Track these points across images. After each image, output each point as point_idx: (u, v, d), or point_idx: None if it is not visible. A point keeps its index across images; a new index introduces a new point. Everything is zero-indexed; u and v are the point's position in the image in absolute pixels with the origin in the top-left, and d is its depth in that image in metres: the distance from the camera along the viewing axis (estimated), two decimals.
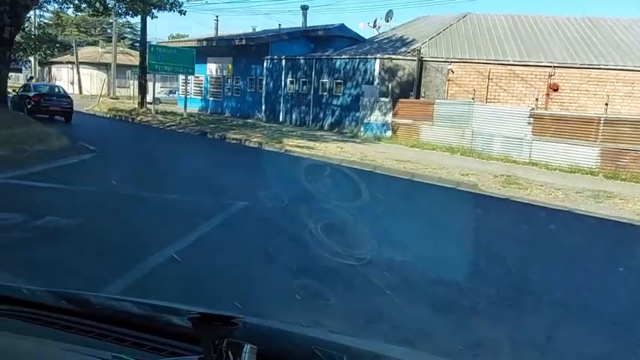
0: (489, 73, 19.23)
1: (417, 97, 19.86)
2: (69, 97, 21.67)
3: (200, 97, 31.26)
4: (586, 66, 18.45)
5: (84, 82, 42.88)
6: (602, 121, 14.01)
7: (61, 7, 19.58)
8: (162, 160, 13.12)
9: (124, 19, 45.15)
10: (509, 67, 19.19)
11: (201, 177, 10.57)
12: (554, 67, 18.61)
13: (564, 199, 10.02)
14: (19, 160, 9.55)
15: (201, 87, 31.20)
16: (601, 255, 7.01)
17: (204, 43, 30.12)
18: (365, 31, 28.06)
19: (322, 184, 8.89)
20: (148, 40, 27.28)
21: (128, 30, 54.80)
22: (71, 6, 18.98)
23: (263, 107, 25.78)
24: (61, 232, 5.96)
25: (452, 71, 19.77)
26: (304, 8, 30.36)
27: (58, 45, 31.58)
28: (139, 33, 30.14)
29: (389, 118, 19.49)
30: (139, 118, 23.25)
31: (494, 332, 4.06)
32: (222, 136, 17.98)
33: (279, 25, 32.40)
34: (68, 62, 45.12)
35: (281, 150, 15.27)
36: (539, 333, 4.14)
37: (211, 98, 30.53)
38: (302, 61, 23.97)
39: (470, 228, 7.14)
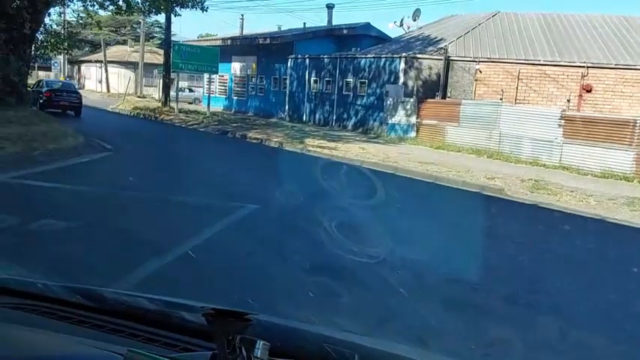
0: (519, 73, 18.57)
1: (444, 97, 19.31)
2: (78, 92, 22.93)
3: (224, 96, 31.23)
4: (621, 66, 17.66)
5: (112, 81, 43.44)
6: (637, 124, 13.32)
7: (84, 5, 19.51)
8: (175, 160, 12.87)
9: (152, 19, 45.66)
10: (540, 67, 18.50)
11: (213, 178, 10.31)
12: (588, 67, 17.85)
13: (596, 206, 9.45)
14: (29, 157, 9.39)
15: (225, 86, 31.14)
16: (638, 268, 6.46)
17: (229, 42, 30.06)
18: (393, 31, 27.57)
19: (339, 185, 8.56)
20: (177, 39, 27.25)
21: (157, 29, 55.19)
22: (95, 4, 18.93)
23: (286, 107, 25.52)
24: (53, 233, 5.71)
25: (480, 71, 19.17)
26: (329, 7, 30.00)
27: (78, 43, 31.76)
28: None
29: (413, 118, 18.97)
30: (161, 117, 23.23)
31: None
32: (243, 136, 17.73)
33: (304, 23, 32.10)
34: (97, 61, 45.81)
35: (302, 150, 14.94)
36: None
37: (235, 97, 30.45)
38: (326, 60, 23.61)
39: (491, 236, 6.69)
